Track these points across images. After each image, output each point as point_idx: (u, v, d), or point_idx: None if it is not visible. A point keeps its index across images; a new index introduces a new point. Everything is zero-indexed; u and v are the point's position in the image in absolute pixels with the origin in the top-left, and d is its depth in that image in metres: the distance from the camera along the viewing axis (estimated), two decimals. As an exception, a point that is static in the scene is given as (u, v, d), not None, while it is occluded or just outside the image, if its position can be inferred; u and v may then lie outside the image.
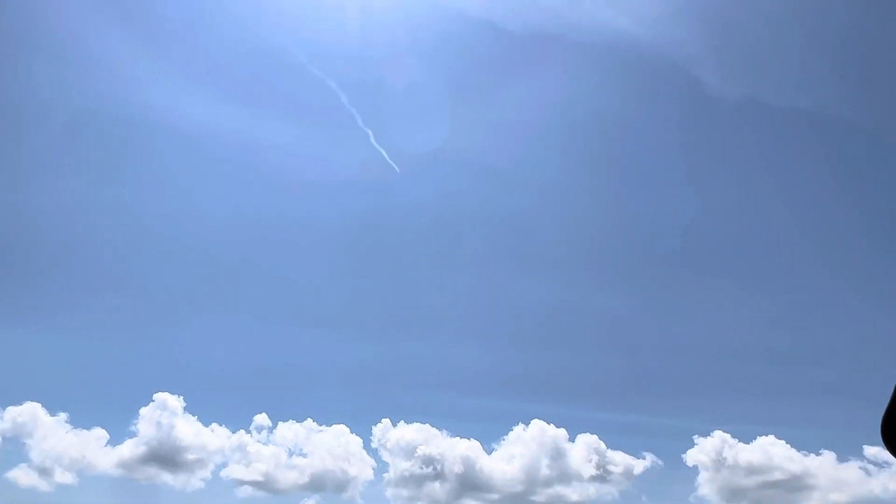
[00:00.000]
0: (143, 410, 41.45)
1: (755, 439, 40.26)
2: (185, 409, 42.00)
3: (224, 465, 42.33)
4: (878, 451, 38.06)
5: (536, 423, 41.73)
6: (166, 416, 40.91)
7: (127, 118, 50.27)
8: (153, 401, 41.55)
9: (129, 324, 53.07)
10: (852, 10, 45.07)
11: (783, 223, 50.74)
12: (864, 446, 38.81)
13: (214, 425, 43.06)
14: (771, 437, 39.94)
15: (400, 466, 41.50)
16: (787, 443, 39.72)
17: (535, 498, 40.59)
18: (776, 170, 50.18)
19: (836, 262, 50.31)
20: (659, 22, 45.75)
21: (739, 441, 39.87)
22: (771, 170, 50.32)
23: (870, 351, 48.97)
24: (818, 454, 39.38)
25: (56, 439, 41.40)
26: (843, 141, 48.39)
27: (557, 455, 40.76)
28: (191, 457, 41.34)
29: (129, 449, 41.38)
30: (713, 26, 46.62)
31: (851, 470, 39.03)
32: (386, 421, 43.11)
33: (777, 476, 38.82)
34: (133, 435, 41.74)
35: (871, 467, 38.65)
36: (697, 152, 51.35)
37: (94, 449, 41.80)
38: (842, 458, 39.21)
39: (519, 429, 42.24)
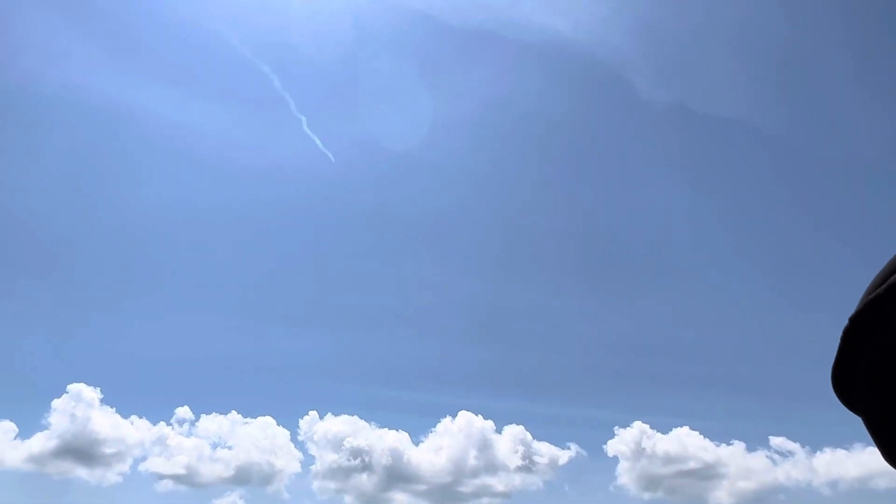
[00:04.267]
0: (56, 402, 39.38)
1: (672, 430, 42.12)
2: (103, 400, 40.12)
3: (143, 458, 40.83)
4: (783, 442, 40.59)
5: (464, 415, 42.29)
6: (81, 407, 38.97)
7: (48, 96, 47.52)
8: (67, 392, 39.59)
9: (40, 312, 50.30)
10: (777, 27, 47.66)
11: (701, 225, 53.24)
12: (770, 437, 41.31)
13: (134, 417, 41.39)
14: (686, 428, 41.89)
15: (327, 459, 41.18)
16: (700, 433, 41.73)
17: (461, 489, 41.11)
18: (698, 173, 52.60)
19: (749, 263, 53.24)
20: (595, 25, 46.96)
21: (657, 432, 41.61)
22: (693, 173, 52.68)
23: (776, 348, 52.12)
24: (729, 444, 41.59)
25: (-40, 433, 38.88)
26: (761, 148, 51.20)
27: (484, 446, 41.42)
28: (108, 450, 39.57)
29: (39, 442, 39.10)
30: (647, 33, 48.27)
31: (759, 459, 41.43)
32: (313, 413, 42.65)
33: (692, 465, 40.74)
34: (44, 428, 39.64)
35: (776, 456, 41.16)
36: (626, 153, 53.12)
37: (1, 442, 39.50)
38: (750, 448, 41.58)
39: (447, 420, 42.71)
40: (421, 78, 49.54)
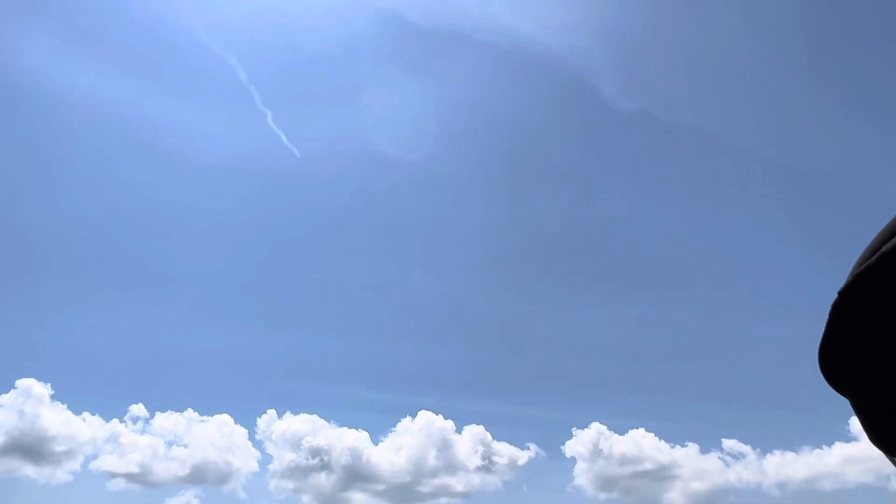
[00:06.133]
0: (4, 397, 38.05)
1: (628, 431, 42.84)
2: (54, 396, 38.98)
3: (95, 456, 39.74)
4: (735, 444, 41.70)
5: (424, 414, 42.30)
6: (31, 403, 37.74)
7: (4, 85, 45.92)
8: (15, 387, 38.30)
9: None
10: (741, 38, 48.88)
11: (662, 230, 54.27)
12: (723, 439, 42.40)
13: (86, 414, 40.28)
14: (642, 430, 42.66)
15: (285, 458, 40.73)
16: (656, 435, 42.56)
17: (420, 488, 41.11)
18: (661, 178, 53.61)
19: (707, 269, 54.48)
20: (563, 30, 47.52)
21: (614, 433, 42.28)
22: (656, 178, 53.69)
23: (730, 353, 53.45)
24: (683, 446, 42.50)
25: None
26: (724, 156, 52.48)
27: (444, 446, 41.50)
28: (58, 448, 38.37)
29: (-16, 440, 37.93)
30: (613, 41, 49.06)
31: (712, 460, 42.45)
32: (272, 411, 42.16)
33: (647, 466, 41.50)
34: (-11, 424, 38.34)
35: (728, 458, 42.24)
36: (591, 158, 53.88)
37: (-57, 439, 37.97)
38: (704, 450, 42.57)
39: (407, 420, 42.68)
40: (391, 77, 49.38)
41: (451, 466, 41.25)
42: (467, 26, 46.50)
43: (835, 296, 0.76)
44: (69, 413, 39.35)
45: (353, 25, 47.74)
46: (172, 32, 47.10)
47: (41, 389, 38.55)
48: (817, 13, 47.46)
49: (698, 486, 41.29)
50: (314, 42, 47.93)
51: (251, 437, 41.55)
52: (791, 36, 48.11)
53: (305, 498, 40.47)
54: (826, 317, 0.80)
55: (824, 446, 40.13)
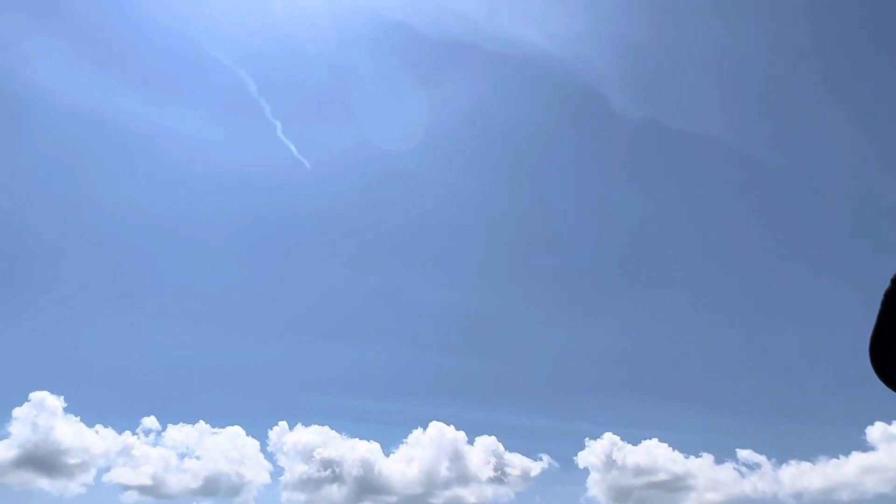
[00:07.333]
0: (17, 410, 38.40)
1: (641, 442, 42.54)
2: (67, 409, 39.31)
3: (108, 469, 39.92)
4: (750, 454, 41.28)
5: (436, 425, 42.13)
6: (44, 416, 38.07)
7: (12, 96, 46.57)
8: (29, 400, 38.57)
9: (2, 317, 49.02)
10: (749, 47, 48.77)
11: (674, 238, 54.00)
12: (737, 449, 42.01)
13: (99, 427, 40.57)
14: (655, 440, 42.33)
15: (297, 470, 40.76)
16: (669, 445, 42.26)
17: (433, 500, 41.01)
18: (669, 186, 53.38)
19: (720, 278, 54.07)
20: (571, 40, 47.69)
21: (628, 443, 41.98)
22: (664, 186, 53.49)
23: (744, 362, 52.90)
24: (698, 456, 42.14)
25: (-83, 442, 37.54)
26: (732, 163, 52.19)
27: (456, 457, 41.38)
28: (71, 460, 38.69)
29: (-1, 452, 38.13)
30: (621, 50, 49.17)
31: (727, 471, 42.10)
32: (283, 423, 42.19)
33: (661, 476, 41.24)
34: (4, 437, 38.59)
35: (743, 469, 41.91)
36: (599, 167, 53.83)
37: (-41, 452, 38.22)
38: (719, 460, 42.20)
39: (419, 431, 42.55)
40: (400, 88, 49.63)
41: (464, 478, 41.07)
42: (475, 37, 46.74)
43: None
44: (82, 426, 39.70)
45: (360, 37, 48.06)
46: (183, 46, 47.66)
47: (54, 402, 38.90)
48: (827, 21, 47.31)
49: (713, 496, 40.88)
50: (322, 54, 48.30)
51: (263, 449, 41.66)
52: (801, 43, 47.95)
53: (317, 510, 40.37)
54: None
55: (841, 456, 39.70)
